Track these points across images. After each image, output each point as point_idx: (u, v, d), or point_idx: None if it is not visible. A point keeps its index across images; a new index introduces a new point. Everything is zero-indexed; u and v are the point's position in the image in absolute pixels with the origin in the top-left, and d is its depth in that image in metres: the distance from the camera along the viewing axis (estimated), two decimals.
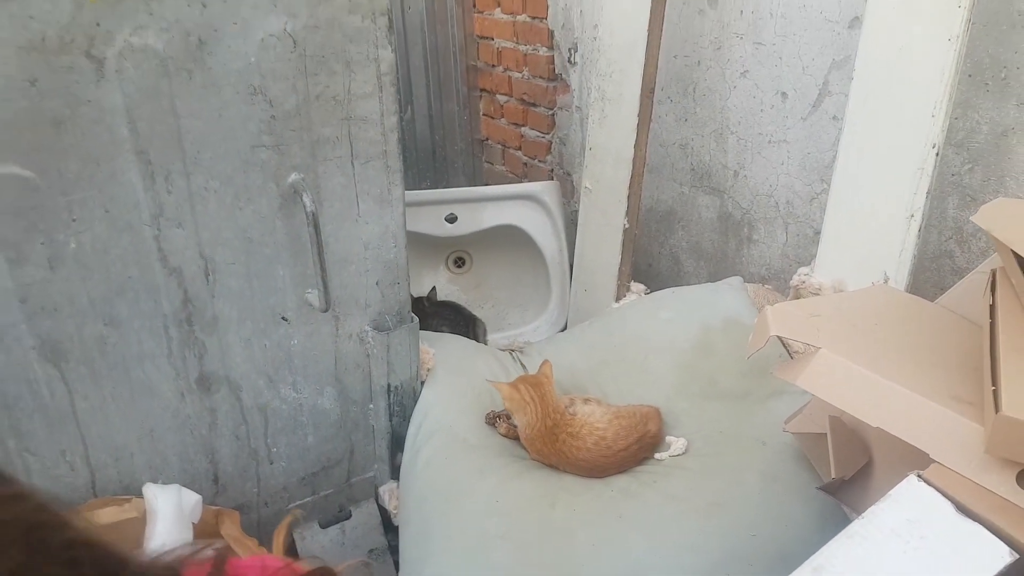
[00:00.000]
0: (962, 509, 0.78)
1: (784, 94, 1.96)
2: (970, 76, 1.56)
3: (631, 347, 1.66)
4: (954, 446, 0.82)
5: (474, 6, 3.17)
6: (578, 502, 1.32)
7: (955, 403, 0.86)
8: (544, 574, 1.20)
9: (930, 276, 1.71)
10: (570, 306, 2.42)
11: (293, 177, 1.29)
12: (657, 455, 1.44)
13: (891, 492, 0.82)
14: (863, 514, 0.81)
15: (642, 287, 2.18)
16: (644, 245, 2.53)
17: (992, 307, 0.94)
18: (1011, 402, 0.76)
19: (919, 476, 0.82)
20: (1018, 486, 0.77)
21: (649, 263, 2.56)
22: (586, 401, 1.52)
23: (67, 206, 1.15)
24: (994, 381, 0.81)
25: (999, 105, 1.53)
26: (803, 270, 1.69)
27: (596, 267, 2.26)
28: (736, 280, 1.79)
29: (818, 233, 1.73)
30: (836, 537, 0.81)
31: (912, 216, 1.48)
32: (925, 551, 0.76)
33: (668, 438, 1.45)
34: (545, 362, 1.56)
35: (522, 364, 1.74)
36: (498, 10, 3.03)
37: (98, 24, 1.08)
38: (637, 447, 1.44)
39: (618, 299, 2.14)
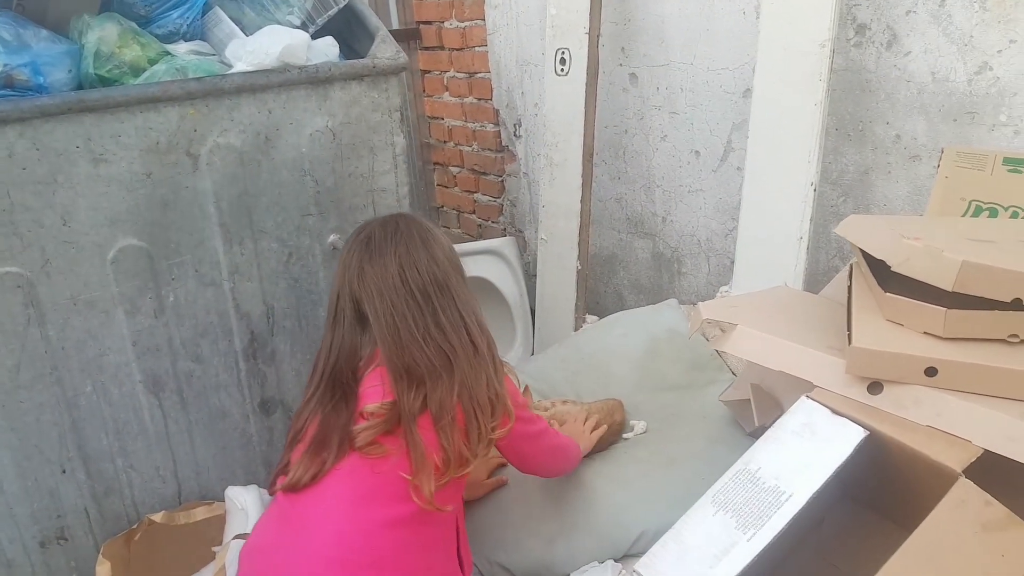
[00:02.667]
0: (835, 412, 1.19)
1: (697, 152, 2.43)
2: (837, 129, 2.04)
3: (595, 357, 2.07)
4: (828, 375, 1.24)
5: (424, 91, 3.61)
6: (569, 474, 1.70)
7: (829, 349, 1.28)
8: (549, 523, 1.57)
9: (821, 287, 2.17)
10: (535, 340, 2.82)
11: (332, 237, 1.67)
12: (624, 436, 1.83)
13: (790, 408, 1.23)
14: (773, 424, 1.22)
15: (595, 318, 2.59)
16: (592, 285, 2.94)
17: (850, 288, 1.38)
18: (857, 338, 1.19)
19: (808, 396, 1.23)
20: (868, 392, 1.19)
21: (597, 300, 2.98)
22: (564, 402, 1.90)
23: (168, 268, 1.51)
24: (849, 329, 1.23)
25: (860, 150, 2.02)
26: (723, 288, 2.13)
27: (555, 305, 2.67)
28: (673, 301, 2.22)
29: (733, 262, 2.17)
30: (757, 441, 1.22)
31: (801, 238, 1.93)
32: (814, 440, 1.17)
33: (631, 422, 1.85)
34: (526, 388, 1.94)
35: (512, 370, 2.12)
36: (447, 94, 3.47)
37: (195, 130, 1.46)
38: (608, 433, 1.83)
39: (576, 329, 2.55)
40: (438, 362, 1.29)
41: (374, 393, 1.30)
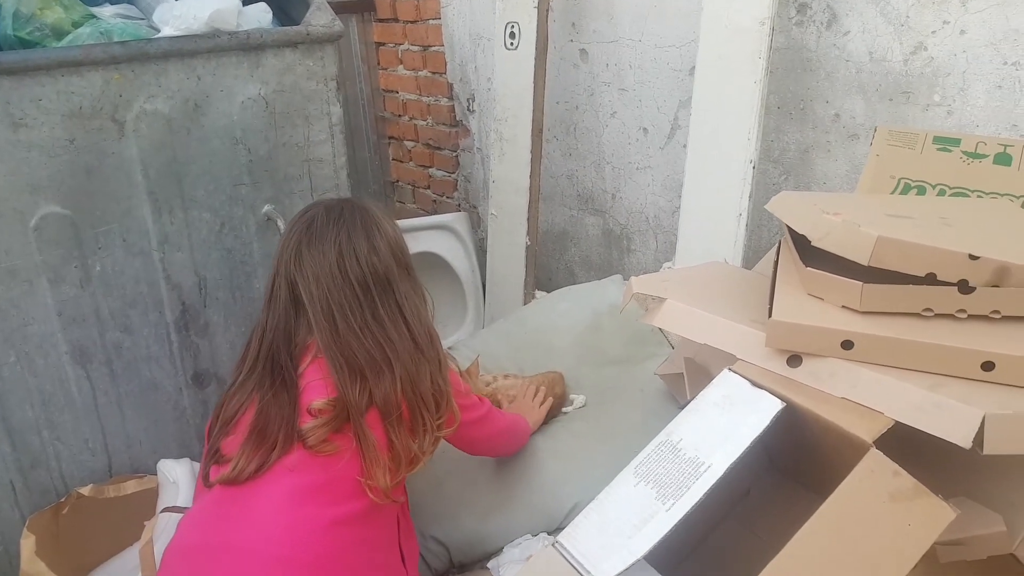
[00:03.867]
0: (755, 384, 1.21)
1: (645, 129, 2.43)
2: (779, 108, 2.06)
3: (539, 332, 2.07)
4: (750, 348, 1.26)
5: (378, 64, 3.57)
6: None
7: (752, 323, 1.29)
8: (484, 496, 1.58)
9: None
10: (485, 316, 2.82)
11: (266, 208, 1.65)
12: (564, 409, 1.84)
13: (712, 380, 1.24)
14: (696, 396, 1.23)
15: (544, 293, 2.60)
16: (543, 262, 2.95)
17: (776, 263, 1.39)
18: (777, 311, 1.20)
19: (729, 369, 1.25)
20: (786, 365, 1.21)
21: (549, 276, 2.99)
22: (505, 376, 1.91)
23: (95, 237, 1.48)
24: (771, 303, 1.25)
25: (801, 129, 2.04)
26: (667, 264, 2.15)
27: (506, 281, 2.67)
28: (617, 277, 2.23)
29: (677, 239, 2.19)
30: (680, 413, 1.23)
31: (740, 215, 1.95)
32: (734, 411, 1.19)
33: (571, 396, 1.86)
34: (475, 359, 1.94)
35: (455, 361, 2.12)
36: (401, 67, 3.44)
37: (120, 95, 1.43)
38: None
39: (525, 304, 2.56)
40: (377, 355, 1.26)
41: (317, 387, 1.26)
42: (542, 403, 1.72)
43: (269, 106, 1.58)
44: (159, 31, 1.49)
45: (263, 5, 1.58)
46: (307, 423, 1.23)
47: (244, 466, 1.21)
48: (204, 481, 1.26)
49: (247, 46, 1.51)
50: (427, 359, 1.31)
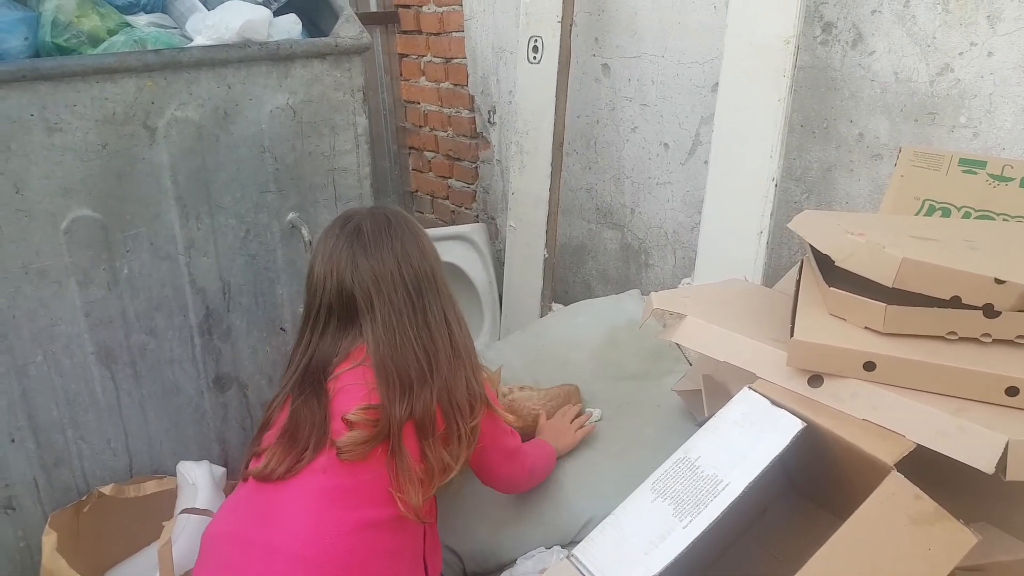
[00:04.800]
0: (775, 403, 1.21)
1: (666, 145, 2.44)
2: (802, 126, 2.06)
3: (555, 345, 2.08)
4: (771, 367, 1.26)
5: (401, 75, 3.60)
6: None
7: (772, 341, 1.29)
8: (498, 508, 1.59)
9: None
10: (501, 327, 2.83)
11: (291, 215, 1.67)
12: None
13: (732, 399, 1.24)
14: (714, 413, 1.23)
15: (561, 306, 2.61)
16: (560, 275, 2.96)
17: (798, 282, 1.40)
18: (799, 331, 1.20)
19: (749, 387, 1.25)
20: (807, 384, 1.21)
21: (566, 290, 2.99)
22: (521, 389, 1.92)
23: (123, 240, 1.50)
24: (793, 322, 1.25)
25: (824, 147, 2.04)
26: (685, 280, 2.15)
27: (523, 293, 2.68)
28: (635, 292, 2.24)
29: (696, 255, 2.19)
30: (698, 431, 1.23)
31: (761, 232, 1.95)
32: (753, 430, 1.19)
33: (587, 409, 1.86)
34: (498, 370, 1.94)
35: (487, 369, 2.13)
36: (423, 78, 3.47)
37: (152, 102, 1.45)
38: None
39: (542, 317, 2.56)
40: (424, 364, 1.27)
41: (354, 393, 1.26)
42: (580, 427, 1.66)
43: (296, 115, 1.60)
44: (191, 40, 1.52)
45: (293, 16, 1.61)
46: (343, 436, 1.23)
47: (275, 467, 1.23)
48: (242, 473, 1.30)
49: (277, 56, 1.53)
50: (464, 364, 1.32)
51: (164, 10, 1.60)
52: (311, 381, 1.29)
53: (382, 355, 1.26)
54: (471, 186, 3.41)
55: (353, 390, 1.26)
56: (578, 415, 1.68)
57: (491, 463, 1.42)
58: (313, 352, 1.31)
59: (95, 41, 1.45)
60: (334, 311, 1.30)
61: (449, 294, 1.36)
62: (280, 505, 1.22)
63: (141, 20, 1.52)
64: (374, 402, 1.24)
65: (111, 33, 1.46)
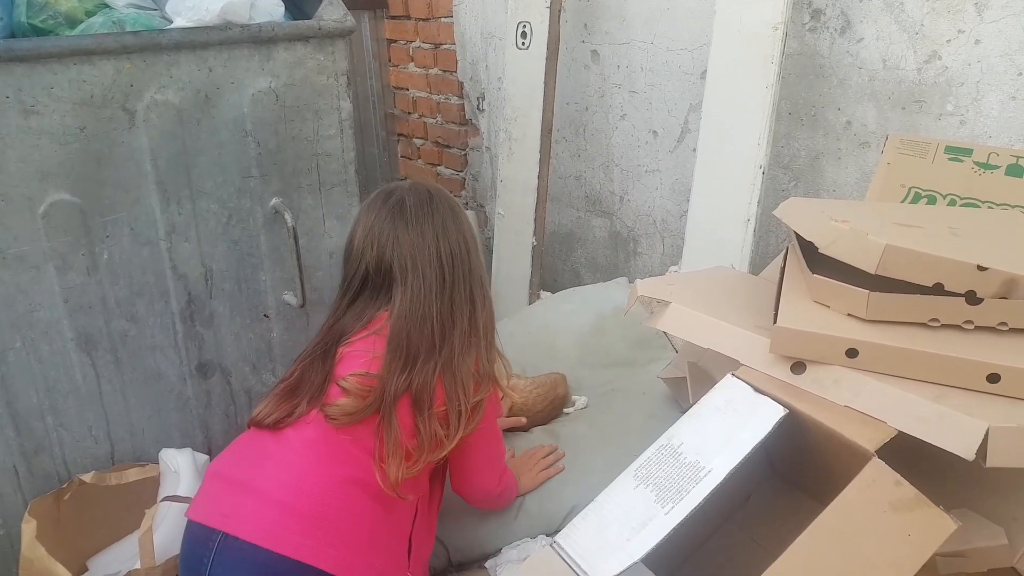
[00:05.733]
0: (758, 390, 1.20)
1: (655, 132, 2.43)
2: (790, 114, 2.05)
3: (542, 332, 2.07)
4: (754, 354, 1.25)
5: (389, 61, 3.57)
6: (512, 446, 1.70)
7: (756, 329, 1.29)
8: None
9: None
10: None
11: (274, 201, 1.65)
12: (566, 410, 1.84)
13: (716, 385, 1.24)
14: (699, 400, 1.23)
15: (549, 294, 2.60)
16: (549, 263, 2.96)
17: (783, 269, 1.39)
18: (782, 318, 1.20)
19: (733, 374, 1.24)
20: (790, 371, 1.20)
21: (554, 278, 2.99)
22: (509, 377, 1.91)
23: (103, 225, 1.48)
24: (776, 309, 1.24)
25: (812, 135, 2.03)
26: (672, 268, 2.15)
27: (511, 280, 2.67)
28: (622, 280, 2.23)
29: (684, 243, 2.19)
30: (681, 417, 1.23)
31: (748, 220, 1.94)
32: (737, 416, 1.19)
33: (573, 397, 1.86)
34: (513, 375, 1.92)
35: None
36: (412, 64, 3.44)
37: (131, 85, 1.43)
38: (551, 407, 1.83)
39: (530, 304, 2.55)
40: (438, 339, 1.29)
41: (357, 359, 1.29)
42: (543, 470, 1.62)
43: (279, 99, 1.58)
44: (171, 22, 1.49)
45: None
46: (334, 401, 1.27)
47: (267, 415, 1.30)
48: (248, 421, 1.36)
49: (259, 39, 1.51)
50: (478, 343, 1.34)
51: None
52: (325, 344, 1.34)
53: (400, 325, 1.29)
54: (460, 173, 3.39)
55: (356, 356, 1.29)
56: (547, 455, 1.65)
57: (472, 464, 1.42)
58: (339, 318, 1.36)
59: (72, 22, 1.43)
60: (368, 281, 1.34)
61: (480, 274, 1.38)
62: (271, 451, 1.27)
63: (120, 2, 1.49)
64: (372, 371, 1.27)
65: (89, 14, 1.44)
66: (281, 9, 1.57)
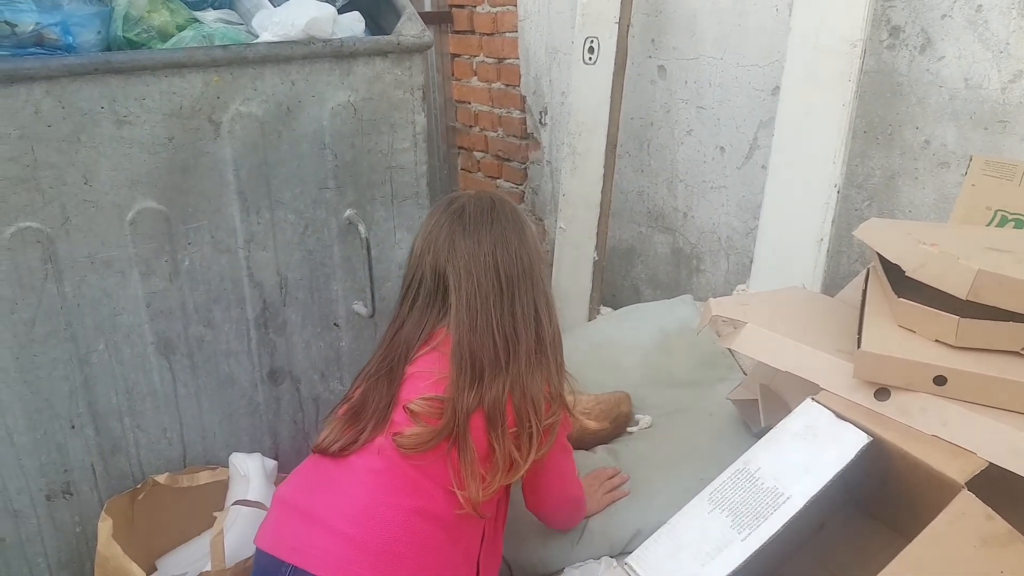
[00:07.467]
0: (839, 416, 1.18)
1: (722, 148, 2.41)
2: (865, 132, 2.02)
3: (605, 349, 2.06)
4: (835, 378, 1.23)
5: (453, 75, 3.61)
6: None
7: (837, 352, 1.26)
8: None
9: (840, 290, 2.14)
10: None
11: (348, 212, 1.67)
12: (629, 429, 1.82)
13: (795, 409, 1.22)
14: (772, 424, 1.21)
15: (610, 310, 2.59)
16: (609, 278, 2.94)
17: (864, 291, 1.36)
18: (867, 342, 1.17)
19: (812, 398, 1.22)
20: (874, 398, 1.18)
21: (614, 293, 2.97)
22: (571, 392, 1.90)
23: (185, 232, 1.52)
24: (859, 332, 1.22)
25: (887, 154, 1.99)
26: (740, 286, 2.12)
27: (571, 295, 2.66)
28: (688, 297, 2.21)
29: (752, 261, 2.16)
30: (758, 442, 1.20)
31: (821, 240, 1.91)
32: (816, 443, 1.16)
33: (637, 416, 1.84)
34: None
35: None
36: (475, 78, 3.47)
37: (218, 97, 1.47)
38: (613, 425, 1.82)
39: (590, 320, 2.54)
40: (501, 353, 1.25)
41: (422, 380, 1.26)
42: (608, 492, 1.59)
43: (357, 113, 1.61)
44: (257, 36, 1.53)
45: (356, 14, 1.62)
46: (408, 429, 1.23)
47: (332, 442, 1.26)
48: (313, 446, 1.33)
49: (340, 54, 1.53)
50: (546, 362, 1.30)
51: (231, 7, 1.62)
52: (390, 361, 1.30)
53: (460, 337, 1.25)
54: (520, 187, 3.40)
55: (422, 377, 1.26)
56: (611, 477, 1.62)
57: (547, 483, 1.39)
58: (399, 327, 1.32)
59: (164, 36, 1.47)
60: (424, 287, 1.31)
61: (544, 289, 1.34)
62: (334, 480, 1.25)
63: (209, 16, 1.54)
64: (440, 392, 1.24)
65: (180, 29, 1.48)
66: (362, 25, 1.60)
